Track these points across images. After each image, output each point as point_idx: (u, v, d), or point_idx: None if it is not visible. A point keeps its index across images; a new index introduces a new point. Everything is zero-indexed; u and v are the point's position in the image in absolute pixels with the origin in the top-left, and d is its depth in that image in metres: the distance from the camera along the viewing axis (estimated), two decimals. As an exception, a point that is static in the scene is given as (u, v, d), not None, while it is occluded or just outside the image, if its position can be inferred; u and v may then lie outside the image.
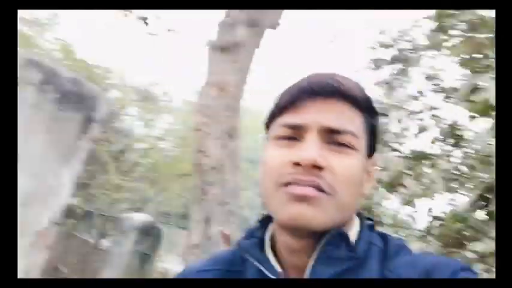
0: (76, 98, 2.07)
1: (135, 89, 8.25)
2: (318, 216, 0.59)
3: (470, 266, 0.62)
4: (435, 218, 3.28)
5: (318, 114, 0.61)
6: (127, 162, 7.58)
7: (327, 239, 0.60)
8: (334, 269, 0.60)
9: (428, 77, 4.29)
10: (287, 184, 0.60)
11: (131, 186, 6.97)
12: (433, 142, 3.85)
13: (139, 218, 5.57)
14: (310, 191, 0.58)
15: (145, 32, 4.30)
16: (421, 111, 4.34)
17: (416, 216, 4.73)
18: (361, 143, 0.64)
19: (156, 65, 8.62)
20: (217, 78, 1.94)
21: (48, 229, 1.97)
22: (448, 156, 4.02)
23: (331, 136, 0.61)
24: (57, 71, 2.02)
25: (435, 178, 2.41)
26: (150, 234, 5.45)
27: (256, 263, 0.65)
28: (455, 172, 4.15)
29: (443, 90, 4.18)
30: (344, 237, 0.62)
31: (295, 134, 0.62)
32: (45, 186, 1.96)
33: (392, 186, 3.00)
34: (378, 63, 4.12)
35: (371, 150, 0.68)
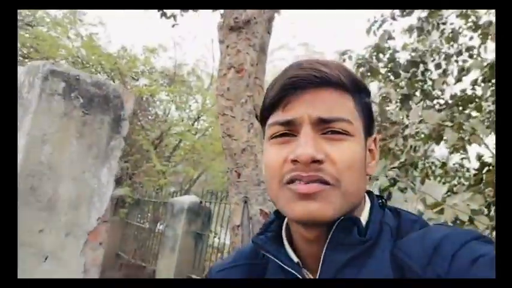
0: (102, 100, 2.11)
1: (162, 74, 8.33)
2: (325, 209, 0.59)
3: (483, 234, 0.59)
4: (483, 163, 3.13)
5: (307, 107, 0.61)
6: (167, 147, 7.78)
7: (338, 226, 0.61)
8: (346, 254, 0.61)
9: (461, 14, 3.99)
10: (290, 182, 0.60)
11: (174, 170, 7.17)
12: (474, 84, 3.63)
13: (187, 199, 5.76)
14: (313, 188, 0.58)
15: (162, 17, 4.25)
16: (459, 52, 4.08)
17: (466, 164, 4.56)
18: (357, 126, 0.63)
19: (178, 46, 8.63)
20: (232, 60, 1.89)
21: (98, 228, 2.06)
22: (494, 95, 3.79)
23: (324, 126, 0.60)
24: (79, 77, 2.05)
25: (476, 125, 2.28)
26: (199, 214, 5.64)
27: (272, 257, 0.67)
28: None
29: (478, 27, 3.89)
30: (355, 221, 0.62)
31: (289, 130, 0.62)
32: (88, 189, 2.04)
33: (432, 138, 2.88)
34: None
35: (369, 130, 0.67)
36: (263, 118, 0.67)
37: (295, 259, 0.66)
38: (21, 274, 1.69)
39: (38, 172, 1.86)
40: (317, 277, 0.63)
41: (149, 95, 7.40)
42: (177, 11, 4.32)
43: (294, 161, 0.59)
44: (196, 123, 8.26)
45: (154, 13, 4.40)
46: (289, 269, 0.64)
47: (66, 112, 1.98)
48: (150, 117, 7.92)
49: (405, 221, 0.66)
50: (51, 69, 1.95)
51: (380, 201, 0.69)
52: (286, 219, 0.70)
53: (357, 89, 0.64)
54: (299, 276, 0.63)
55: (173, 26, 4.48)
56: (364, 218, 0.65)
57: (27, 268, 1.71)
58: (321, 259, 0.62)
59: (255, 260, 0.73)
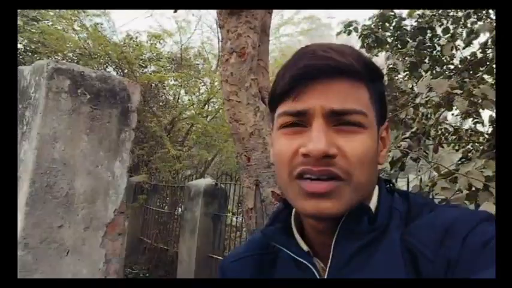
0: (108, 94, 2.13)
1: (169, 59, 8.31)
2: (336, 207, 0.58)
3: (493, 215, 0.58)
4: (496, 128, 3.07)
5: (320, 98, 0.58)
6: (179, 132, 7.83)
7: (348, 215, 0.60)
8: (357, 243, 0.61)
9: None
10: (300, 176, 0.59)
11: (189, 154, 7.24)
12: (484, 47, 3.53)
13: (203, 182, 5.83)
14: (323, 187, 0.57)
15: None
16: (468, 15, 3.95)
17: (480, 128, 4.48)
18: (370, 117, 0.61)
19: (183, 30, 8.57)
20: (233, 45, 1.88)
21: (116, 219, 2.12)
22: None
23: (337, 118, 0.58)
24: (84, 73, 2.07)
25: (486, 90, 2.22)
26: (216, 196, 5.72)
27: (282, 248, 0.67)
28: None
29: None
30: (365, 210, 0.61)
31: (300, 121, 0.60)
32: (102, 182, 2.09)
33: (442, 106, 2.83)
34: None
35: (382, 118, 0.64)
36: (272, 106, 0.66)
37: (306, 248, 0.66)
38: (46, 269, 1.77)
39: (52, 169, 1.91)
40: (328, 265, 0.62)
41: (158, 82, 7.40)
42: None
43: (305, 155, 0.58)
44: (206, 106, 8.26)
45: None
46: (300, 259, 0.64)
47: (74, 109, 2.01)
48: (161, 103, 7.95)
49: (414, 205, 0.65)
50: (55, 67, 1.97)
51: (388, 185, 0.68)
52: (294, 209, 0.70)
53: (371, 77, 0.62)
54: (309, 265, 0.64)
55: (175, 11, 4.44)
56: (373, 204, 0.64)
57: (50, 263, 1.78)
58: (332, 248, 0.62)
59: (266, 249, 0.73)
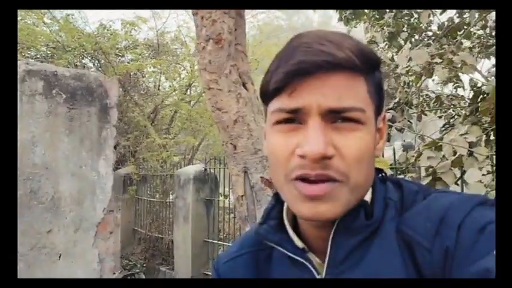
0: (85, 92, 2.07)
1: (146, 46, 8.13)
2: (333, 209, 0.57)
3: (487, 198, 0.58)
4: (476, 92, 3.10)
5: (316, 95, 0.55)
6: (163, 120, 7.74)
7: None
8: (355, 238, 0.60)
9: None
10: (296, 178, 0.57)
11: (175, 141, 7.19)
12: (460, 12, 3.52)
13: (192, 169, 5.82)
14: (321, 190, 0.55)
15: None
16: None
17: (461, 92, 4.52)
18: (368, 112, 0.58)
19: (157, 15, 8.36)
20: (208, 31, 1.83)
21: (106, 218, 2.10)
22: (482, 20, 3.68)
23: (335, 115, 0.56)
24: (57, 72, 2.00)
25: (466, 57, 2.22)
26: (206, 181, 5.72)
27: (277, 247, 0.66)
28: (491, 37, 3.81)
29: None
30: (362, 204, 0.60)
31: (296, 117, 0.57)
32: (88, 182, 2.06)
33: (422, 75, 2.83)
34: None
35: (379, 109, 0.62)
36: (265, 100, 0.63)
37: (301, 245, 0.65)
38: (39, 275, 1.75)
39: (35, 175, 1.87)
40: (326, 262, 0.62)
41: (137, 70, 7.26)
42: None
43: (302, 157, 0.56)
44: (188, 91, 8.16)
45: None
46: (295, 257, 0.63)
47: (51, 110, 1.95)
48: (142, 92, 7.82)
49: (407, 192, 0.64)
50: (26, 69, 1.91)
51: (380, 175, 0.67)
52: (286, 203, 0.67)
53: (369, 68, 0.59)
54: (305, 262, 0.63)
55: None
56: (368, 197, 0.63)
57: (42, 269, 1.76)
58: (329, 244, 0.61)
59: (259, 246, 0.71)
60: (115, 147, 2.21)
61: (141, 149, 6.90)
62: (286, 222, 0.68)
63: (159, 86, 8.15)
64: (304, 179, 0.56)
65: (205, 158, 6.54)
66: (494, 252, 0.47)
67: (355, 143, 0.56)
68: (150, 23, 8.25)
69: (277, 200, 0.69)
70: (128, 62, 7.19)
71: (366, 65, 0.58)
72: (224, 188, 6.59)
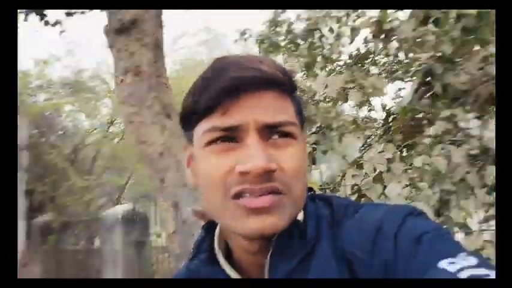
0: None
1: (62, 84, 7.73)
2: (279, 221, 0.55)
3: (414, 207, 0.60)
4: (388, 113, 3.38)
5: (252, 112, 0.55)
6: (85, 160, 7.32)
7: (280, 232, 0.57)
8: (292, 261, 0.59)
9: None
10: (238, 196, 0.55)
11: (98, 182, 6.80)
12: (365, 42, 3.86)
13: (120, 209, 5.51)
14: (267, 201, 0.54)
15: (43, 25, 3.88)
16: (348, 14, 4.29)
17: (374, 115, 4.89)
18: (298, 128, 0.59)
19: (72, 53, 8.05)
20: (126, 64, 1.79)
21: (19, 273, 1.89)
22: (385, 48, 4.07)
23: (270, 131, 0.56)
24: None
25: (375, 82, 2.43)
26: (135, 221, 5.44)
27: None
28: (397, 61, 4.22)
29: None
30: (295, 224, 0.59)
31: (231, 135, 0.56)
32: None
33: (339, 100, 3.03)
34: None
35: (302, 128, 0.64)
36: (191, 122, 0.60)
37: (233, 275, 0.63)
38: None
39: None
40: None
41: (53, 110, 6.84)
42: (61, 17, 3.97)
43: (244, 173, 0.54)
44: (111, 128, 7.85)
45: (38, 24, 4.00)
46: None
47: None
48: (59, 132, 7.36)
49: (337, 207, 0.64)
50: None
51: (309, 193, 0.66)
52: (217, 233, 0.65)
53: (293, 88, 0.61)
54: None
55: (61, 32, 4.13)
56: (300, 216, 0.62)
57: None
58: (266, 269, 0.59)
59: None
60: (30, 194, 2.03)
61: (61, 193, 6.42)
62: (218, 252, 0.65)
63: (78, 125, 7.74)
64: (246, 195, 0.55)
65: (134, 196, 6.25)
66: (438, 264, 0.48)
67: (292, 157, 0.57)
68: (64, 61, 7.90)
69: (208, 231, 0.66)
70: (43, 102, 6.76)
71: (290, 85, 0.60)
72: (156, 225, 6.33)
